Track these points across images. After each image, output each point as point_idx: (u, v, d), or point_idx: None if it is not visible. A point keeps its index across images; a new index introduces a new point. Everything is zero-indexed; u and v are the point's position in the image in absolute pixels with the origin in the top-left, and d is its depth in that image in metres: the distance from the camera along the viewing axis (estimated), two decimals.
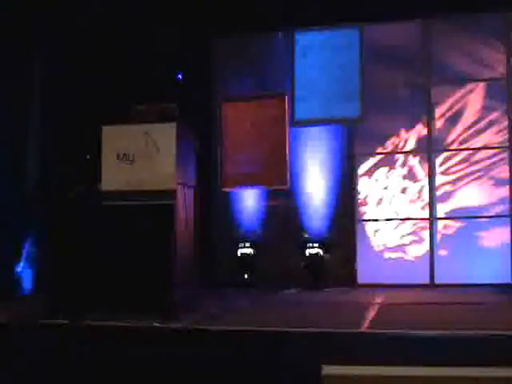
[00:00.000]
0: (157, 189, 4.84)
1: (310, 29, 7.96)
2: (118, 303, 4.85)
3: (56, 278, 5.24)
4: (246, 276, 7.74)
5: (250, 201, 8.24)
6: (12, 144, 6.79)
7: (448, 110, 7.74)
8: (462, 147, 7.66)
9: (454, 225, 7.64)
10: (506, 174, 7.50)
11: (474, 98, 7.67)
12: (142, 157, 4.87)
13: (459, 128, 7.69)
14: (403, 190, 7.84)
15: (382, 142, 7.93)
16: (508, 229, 7.43)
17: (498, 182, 7.53)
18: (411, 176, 7.82)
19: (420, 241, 7.72)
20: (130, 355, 4.28)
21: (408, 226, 7.79)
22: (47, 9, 6.88)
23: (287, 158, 8.02)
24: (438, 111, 7.75)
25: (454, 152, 7.69)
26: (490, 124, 7.59)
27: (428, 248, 7.66)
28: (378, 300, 6.12)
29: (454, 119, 7.71)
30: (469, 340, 3.88)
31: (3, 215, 6.62)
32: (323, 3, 7.42)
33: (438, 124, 7.75)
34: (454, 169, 7.69)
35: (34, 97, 7.18)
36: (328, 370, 2.46)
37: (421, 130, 7.80)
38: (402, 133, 7.87)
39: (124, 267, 4.88)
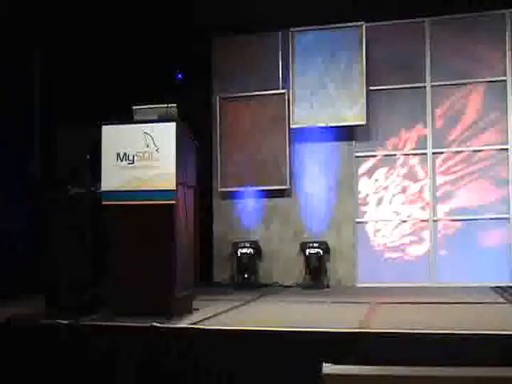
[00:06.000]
0: (157, 189, 4.83)
1: (310, 29, 7.96)
2: (118, 303, 4.85)
3: (54, 278, 5.24)
4: (245, 276, 7.74)
5: (249, 201, 8.25)
6: (13, 144, 6.79)
7: (448, 109, 7.74)
8: (462, 147, 7.66)
9: (454, 225, 7.64)
10: (505, 174, 7.50)
11: (474, 98, 7.67)
12: (141, 157, 4.87)
13: (459, 128, 7.69)
14: (403, 190, 7.84)
15: (382, 142, 7.93)
16: (508, 229, 7.44)
17: (498, 182, 7.54)
18: (411, 176, 7.83)
19: (420, 241, 7.73)
20: (129, 355, 4.28)
21: (408, 226, 7.79)
22: (46, 10, 6.88)
23: (287, 158, 8.02)
24: (438, 111, 7.76)
25: (454, 152, 7.69)
26: (490, 124, 7.60)
27: (428, 248, 7.67)
28: (378, 300, 6.12)
29: (454, 119, 7.71)
30: (469, 340, 3.88)
31: (4, 215, 6.63)
32: (323, 3, 7.42)
33: (438, 124, 7.76)
34: (454, 169, 7.69)
35: (34, 97, 7.18)
36: (328, 369, 2.45)
37: (421, 130, 7.80)
38: (402, 133, 7.87)
39: (123, 267, 4.87)
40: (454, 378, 2.40)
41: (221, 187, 8.27)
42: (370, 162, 7.97)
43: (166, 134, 4.86)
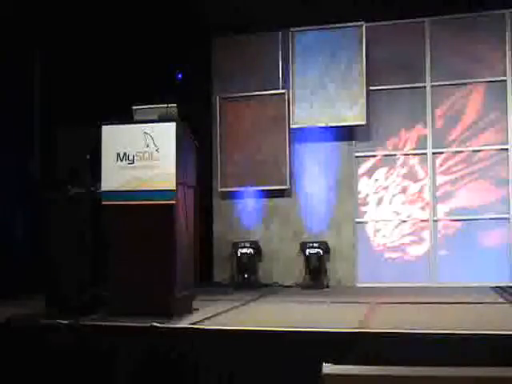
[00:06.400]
0: (157, 189, 4.83)
1: (310, 29, 7.96)
2: (118, 303, 4.85)
3: (54, 278, 5.24)
4: (245, 276, 7.74)
5: (249, 201, 8.25)
6: (13, 144, 6.79)
7: (448, 109, 7.74)
8: (462, 147, 7.66)
9: (454, 225, 7.64)
10: (505, 174, 7.50)
11: (474, 98, 7.67)
12: (141, 157, 4.87)
13: (459, 128, 7.69)
14: (403, 190, 7.84)
15: (382, 142, 7.93)
16: (508, 229, 7.44)
17: (498, 182, 7.54)
18: (411, 176, 7.83)
19: (420, 241, 7.72)
20: (129, 355, 4.28)
21: (408, 226, 7.79)
22: (46, 10, 6.88)
23: (287, 158, 8.02)
24: (438, 111, 7.76)
25: (454, 152, 7.69)
26: (490, 124, 7.60)
27: (428, 248, 7.67)
28: (378, 300, 6.12)
29: (454, 119, 7.71)
30: (469, 340, 3.88)
31: (4, 215, 6.63)
32: (323, 3, 7.42)
33: (438, 124, 7.76)
34: (454, 169, 7.69)
35: (34, 97, 7.18)
36: (328, 369, 2.45)
37: (421, 130, 7.80)
38: (402, 133, 7.87)
39: (123, 267, 4.87)
40: (454, 378, 2.40)
41: (221, 187, 8.27)
42: (370, 162, 7.97)
43: (166, 134, 4.86)
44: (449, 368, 2.44)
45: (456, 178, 7.67)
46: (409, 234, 7.78)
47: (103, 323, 4.60)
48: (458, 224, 7.63)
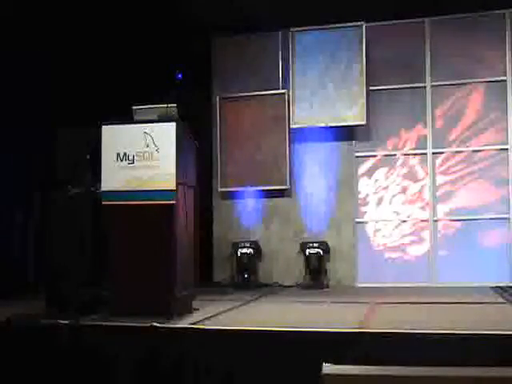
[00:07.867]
0: (157, 189, 4.83)
1: (310, 29, 7.96)
2: (118, 303, 4.85)
3: (54, 278, 5.24)
4: (245, 276, 7.74)
5: (249, 201, 8.25)
6: (13, 144, 6.79)
7: (448, 109, 7.74)
8: (462, 147, 7.66)
9: (454, 225, 7.64)
10: (505, 174, 7.50)
11: (474, 98, 7.67)
12: (142, 157, 4.87)
13: (459, 128, 7.69)
14: (403, 190, 7.84)
15: (382, 142, 7.94)
16: (508, 229, 7.44)
17: (498, 182, 7.54)
18: (411, 176, 7.83)
19: (420, 241, 7.73)
20: (129, 355, 4.28)
21: (408, 226, 7.79)
22: (47, 10, 6.88)
23: (287, 158, 8.02)
24: (438, 111, 7.76)
25: (454, 152, 7.69)
26: (490, 124, 7.60)
27: (428, 248, 7.67)
28: (378, 300, 6.12)
29: (454, 119, 7.71)
30: (469, 340, 3.88)
31: (3, 216, 6.63)
32: (323, 3, 7.41)
33: (438, 124, 7.76)
34: (454, 169, 7.69)
35: (34, 97, 7.18)
36: (328, 369, 2.45)
37: (421, 129, 7.80)
38: (402, 133, 7.87)
39: (123, 267, 4.88)
40: (454, 378, 2.40)
41: (221, 187, 8.27)
42: (370, 162, 7.97)
43: (166, 134, 4.86)
44: (449, 368, 2.45)
45: (456, 178, 7.67)
46: (409, 234, 7.78)
47: (103, 323, 4.60)
48: (458, 224, 7.63)
